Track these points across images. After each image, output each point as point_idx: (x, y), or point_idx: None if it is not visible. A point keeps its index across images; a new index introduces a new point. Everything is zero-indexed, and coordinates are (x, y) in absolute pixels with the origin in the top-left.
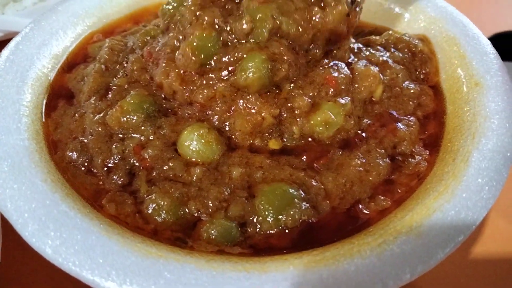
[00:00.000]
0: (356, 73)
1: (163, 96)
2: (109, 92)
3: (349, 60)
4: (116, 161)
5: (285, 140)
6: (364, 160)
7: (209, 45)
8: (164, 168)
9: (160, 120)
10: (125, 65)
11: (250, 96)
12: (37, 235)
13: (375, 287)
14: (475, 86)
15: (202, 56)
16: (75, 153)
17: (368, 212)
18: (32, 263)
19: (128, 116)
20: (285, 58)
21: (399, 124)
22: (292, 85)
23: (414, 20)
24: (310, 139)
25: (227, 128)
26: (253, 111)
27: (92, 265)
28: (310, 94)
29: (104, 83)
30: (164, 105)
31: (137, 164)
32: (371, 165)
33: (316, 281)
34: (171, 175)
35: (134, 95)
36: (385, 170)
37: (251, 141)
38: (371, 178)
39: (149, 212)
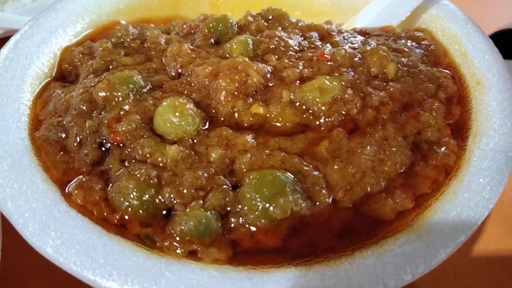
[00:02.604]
0: (364, 52)
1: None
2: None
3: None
4: (87, 134)
5: (271, 107)
6: (378, 148)
7: (223, 27)
8: (135, 145)
9: (145, 95)
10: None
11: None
12: (37, 235)
13: None
14: (477, 85)
15: (214, 35)
16: (51, 129)
17: (384, 212)
18: (32, 263)
19: (113, 89)
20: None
21: (422, 107)
22: (276, 56)
23: (415, 17)
24: (304, 108)
25: (209, 88)
26: (239, 68)
27: (93, 265)
28: (300, 68)
29: (107, 62)
30: (154, 81)
31: (108, 137)
32: (386, 153)
33: (317, 281)
34: (139, 155)
35: (124, 71)
36: (403, 160)
37: (233, 104)
38: (386, 168)
39: (113, 195)
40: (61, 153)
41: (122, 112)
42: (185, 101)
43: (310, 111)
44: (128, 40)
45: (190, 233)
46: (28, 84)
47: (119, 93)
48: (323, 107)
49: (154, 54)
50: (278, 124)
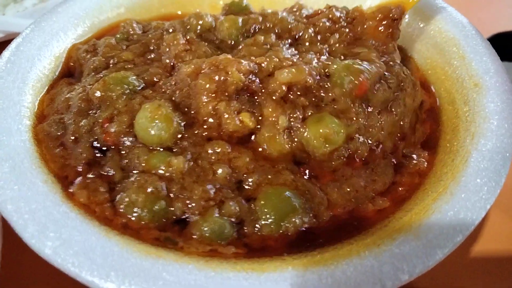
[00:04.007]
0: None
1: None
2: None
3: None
4: (82, 133)
5: (263, 130)
6: (372, 171)
7: (240, 3)
8: (131, 156)
9: (136, 94)
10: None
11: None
12: (37, 236)
13: None
14: (474, 86)
15: (232, 9)
16: (52, 125)
17: (366, 213)
18: (32, 263)
19: (108, 89)
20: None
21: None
22: (263, 37)
23: (413, 20)
24: (300, 146)
25: (190, 88)
26: (220, 66)
27: (92, 266)
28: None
29: (108, 59)
30: (148, 77)
31: (100, 137)
32: (378, 174)
33: (315, 281)
34: (137, 165)
35: (119, 72)
36: (391, 179)
37: (214, 105)
38: (377, 188)
39: (121, 207)
40: (60, 148)
41: (115, 112)
42: (160, 105)
43: (308, 154)
44: (133, 32)
45: (210, 237)
46: (29, 87)
47: (113, 94)
48: (322, 155)
49: (152, 37)
50: (265, 147)
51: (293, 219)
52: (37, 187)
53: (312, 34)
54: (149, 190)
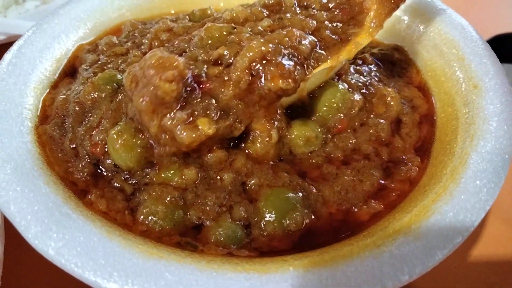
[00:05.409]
0: (371, 97)
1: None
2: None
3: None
4: (79, 142)
5: (256, 146)
6: (358, 172)
7: None
8: (140, 179)
9: (118, 95)
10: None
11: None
12: (40, 237)
13: None
14: (474, 88)
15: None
16: (54, 128)
17: (361, 215)
18: (35, 264)
19: (99, 89)
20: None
21: (397, 137)
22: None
23: (412, 22)
24: (289, 150)
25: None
26: (147, 76)
27: (94, 266)
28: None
29: (101, 56)
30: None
31: (87, 150)
32: (365, 175)
33: (315, 282)
34: (146, 179)
35: (105, 72)
36: (378, 180)
37: (158, 123)
38: (365, 188)
39: (142, 218)
40: (63, 152)
41: (102, 113)
42: (121, 132)
43: (293, 154)
44: (133, 29)
45: (224, 242)
46: (31, 89)
47: (104, 93)
48: (301, 154)
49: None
50: (258, 157)
51: (294, 215)
52: (39, 189)
53: (296, 3)
54: (167, 200)
